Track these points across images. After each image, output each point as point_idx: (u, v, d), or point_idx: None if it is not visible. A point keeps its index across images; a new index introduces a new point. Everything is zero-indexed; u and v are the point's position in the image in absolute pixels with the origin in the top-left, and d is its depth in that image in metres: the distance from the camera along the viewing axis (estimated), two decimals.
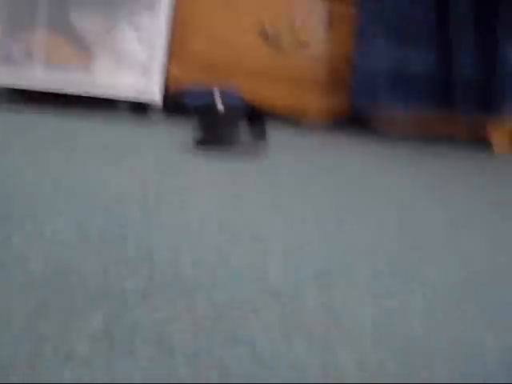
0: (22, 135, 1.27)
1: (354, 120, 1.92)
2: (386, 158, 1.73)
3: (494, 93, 1.64)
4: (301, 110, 1.93)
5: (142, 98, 1.55)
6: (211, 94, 1.69)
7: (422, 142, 1.97)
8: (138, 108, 1.55)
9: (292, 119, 1.90)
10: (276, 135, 1.64)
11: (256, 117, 1.70)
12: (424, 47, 1.74)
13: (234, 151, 1.26)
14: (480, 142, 2.10)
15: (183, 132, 1.42)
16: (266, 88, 1.86)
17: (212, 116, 1.64)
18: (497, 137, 2.11)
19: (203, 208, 0.90)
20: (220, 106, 1.66)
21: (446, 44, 1.71)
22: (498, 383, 0.83)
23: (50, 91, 1.50)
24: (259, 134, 1.59)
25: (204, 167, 1.12)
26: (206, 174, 1.08)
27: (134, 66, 1.55)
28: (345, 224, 1.02)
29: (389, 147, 1.87)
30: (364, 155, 1.69)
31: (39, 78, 1.50)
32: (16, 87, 1.51)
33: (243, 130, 1.65)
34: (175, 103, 1.63)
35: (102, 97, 1.53)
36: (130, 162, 1.11)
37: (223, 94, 1.71)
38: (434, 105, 1.76)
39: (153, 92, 1.56)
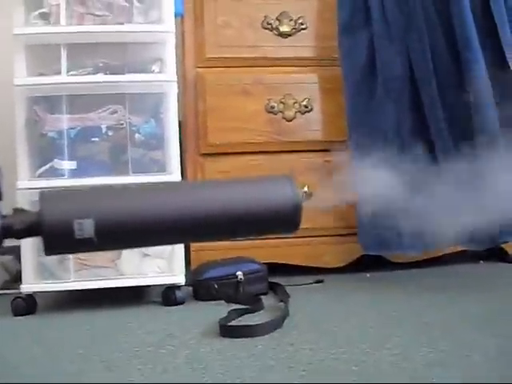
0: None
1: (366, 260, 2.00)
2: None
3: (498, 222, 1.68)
4: (316, 259, 2.01)
5: (168, 281, 1.65)
6: (230, 264, 1.79)
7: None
8: (166, 292, 1.64)
9: (308, 269, 1.98)
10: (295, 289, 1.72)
11: (276, 284, 1.79)
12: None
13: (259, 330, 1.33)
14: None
15: (209, 313, 1.51)
16: (284, 250, 1.96)
17: (233, 284, 1.74)
18: None
19: None
20: (240, 274, 1.75)
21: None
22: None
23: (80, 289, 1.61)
24: (282, 295, 1.66)
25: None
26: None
27: (158, 253, 1.66)
28: None
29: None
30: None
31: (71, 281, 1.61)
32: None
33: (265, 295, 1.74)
34: (198, 280, 1.73)
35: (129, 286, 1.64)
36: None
37: (242, 263, 1.81)
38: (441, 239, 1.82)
39: (177, 273, 1.66)
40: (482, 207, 1.77)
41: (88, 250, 0.60)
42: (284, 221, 0.64)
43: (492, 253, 2.19)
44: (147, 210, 0.59)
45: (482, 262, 2.19)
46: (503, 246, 2.07)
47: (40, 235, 0.55)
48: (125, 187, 0.63)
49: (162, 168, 1.70)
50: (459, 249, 1.97)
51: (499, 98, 1.65)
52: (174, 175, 1.67)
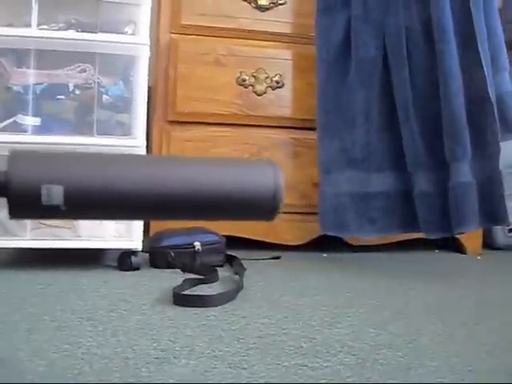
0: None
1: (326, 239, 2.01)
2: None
3: (454, 212, 1.70)
4: (275, 236, 2.02)
5: (125, 246, 1.64)
6: (189, 233, 1.78)
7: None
8: (122, 257, 1.64)
9: (267, 245, 1.99)
10: (254, 264, 1.73)
11: (232, 257, 1.79)
12: (383, 170, 1.86)
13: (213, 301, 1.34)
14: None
15: (164, 281, 1.51)
16: (244, 224, 1.95)
17: (190, 254, 1.73)
18: (468, 240, 2.20)
19: None
20: (197, 244, 1.75)
21: (402, 166, 1.83)
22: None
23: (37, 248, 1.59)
24: (238, 268, 1.67)
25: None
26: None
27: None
28: None
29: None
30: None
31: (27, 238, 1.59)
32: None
33: (221, 266, 1.74)
34: (155, 247, 1.72)
35: (86, 248, 1.62)
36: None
37: (201, 233, 1.80)
38: (398, 226, 1.84)
39: (134, 239, 1.65)
40: (440, 196, 1.81)
41: (54, 217, 0.57)
42: (261, 208, 0.61)
43: (447, 243, 2.23)
44: (120, 183, 0.56)
45: (437, 251, 2.23)
46: (458, 236, 2.11)
47: (5, 197, 0.53)
48: (100, 156, 0.59)
49: (127, 132, 1.69)
50: (415, 236, 2.00)
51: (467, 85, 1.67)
52: (139, 140, 1.65)
